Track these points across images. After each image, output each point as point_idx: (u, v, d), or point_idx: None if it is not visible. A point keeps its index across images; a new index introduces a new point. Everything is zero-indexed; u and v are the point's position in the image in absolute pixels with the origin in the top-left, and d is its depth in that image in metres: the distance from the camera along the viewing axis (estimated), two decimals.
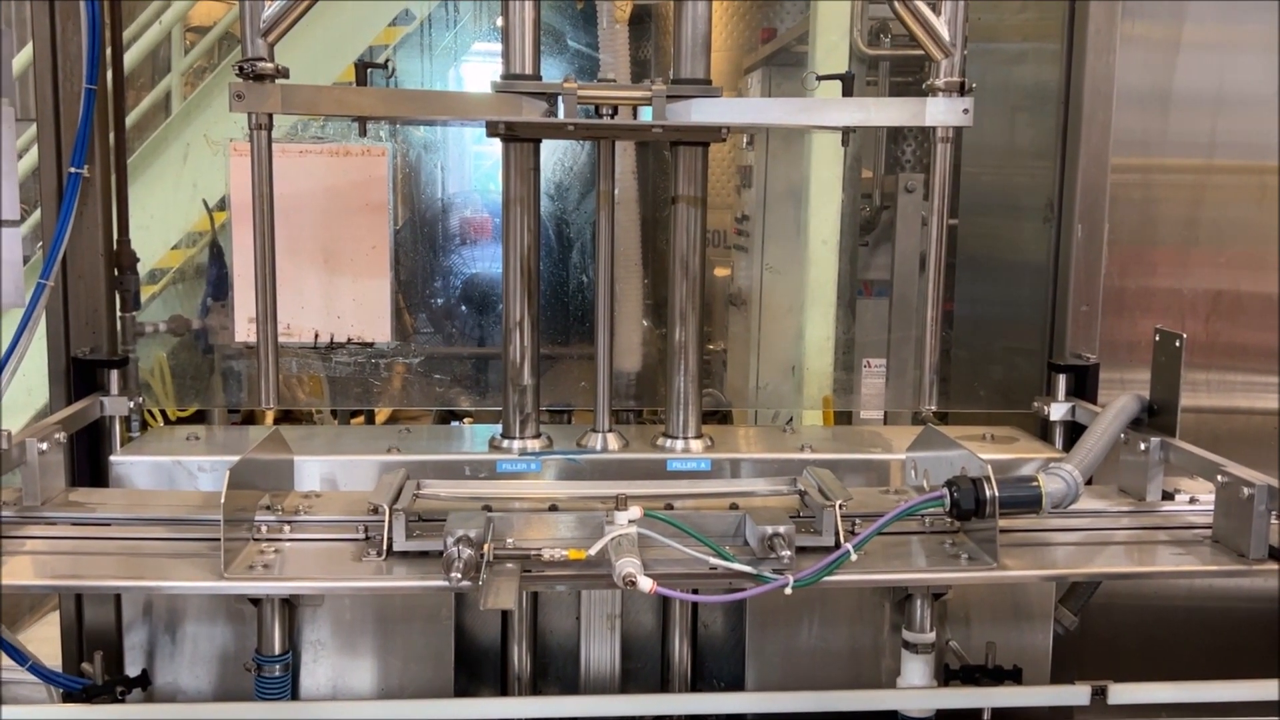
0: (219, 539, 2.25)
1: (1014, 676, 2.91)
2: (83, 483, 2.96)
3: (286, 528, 2.45)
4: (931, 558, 2.44)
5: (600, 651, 3.02)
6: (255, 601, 2.81)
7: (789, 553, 2.25)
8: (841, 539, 2.37)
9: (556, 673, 3.12)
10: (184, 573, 2.27)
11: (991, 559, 2.37)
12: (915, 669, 2.88)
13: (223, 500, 2.20)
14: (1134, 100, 3.27)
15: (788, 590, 2.22)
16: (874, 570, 2.38)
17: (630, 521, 2.26)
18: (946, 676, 2.91)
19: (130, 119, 3.81)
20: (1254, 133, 3.33)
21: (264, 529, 2.44)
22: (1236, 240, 3.37)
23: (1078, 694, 2.83)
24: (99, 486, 2.95)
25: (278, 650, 2.81)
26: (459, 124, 3.25)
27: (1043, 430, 3.29)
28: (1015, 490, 2.38)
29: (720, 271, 3.86)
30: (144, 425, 3.16)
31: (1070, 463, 2.50)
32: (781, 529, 2.27)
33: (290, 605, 2.83)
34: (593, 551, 2.20)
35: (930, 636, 2.86)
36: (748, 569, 2.23)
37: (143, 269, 3.21)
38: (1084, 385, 3.24)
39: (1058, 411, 3.20)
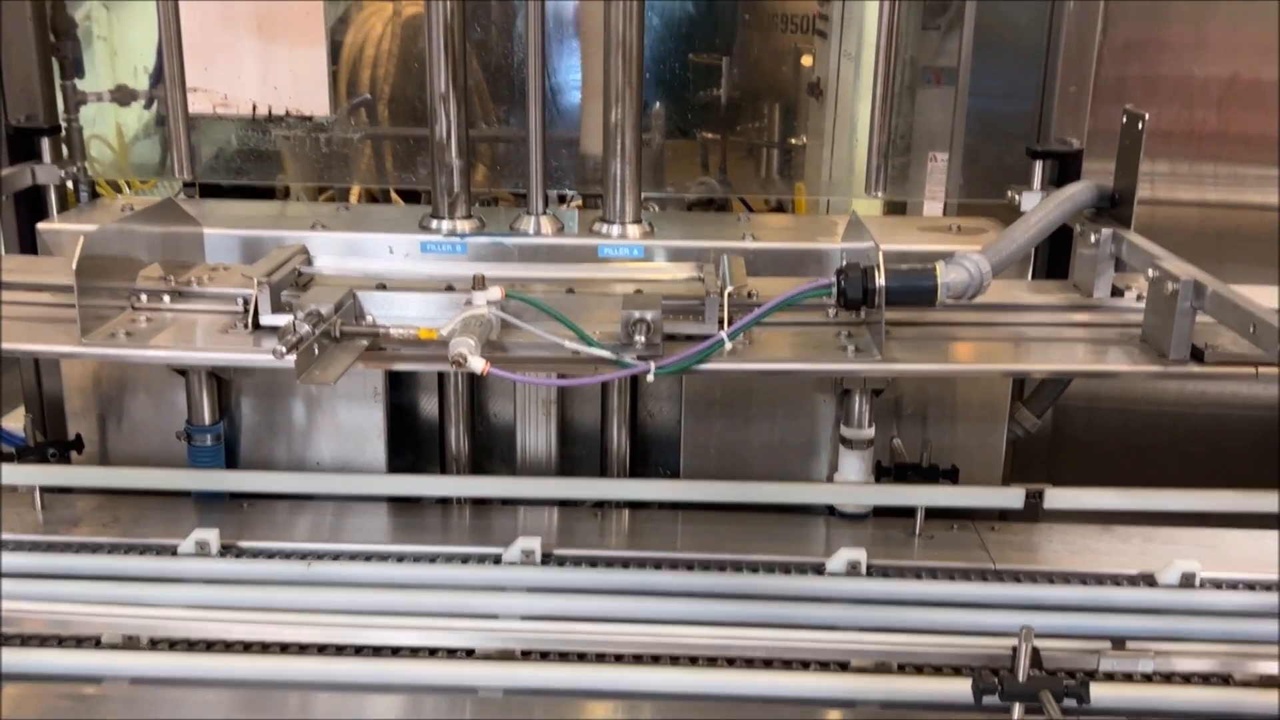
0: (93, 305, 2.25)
1: (950, 476, 2.78)
2: (22, 251, 2.98)
3: (167, 298, 2.41)
4: (821, 349, 2.30)
5: (536, 438, 2.99)
6: (182, 372, 2.84)
7: (642, 338, 2.13)
8: (725, 327, 2.24)
9: (501, 456, 3.11)
10: (47, 337, 2.26)
11: (877, 350, 2.22)
12: (852, 465, 2.80)
13: (74, 265, 2.16)
14: None
15: (650, 377, 2.13)
16: (752, 360, 2.25)
17: (489, 302, 2.17)
18: (879, 474, 2.80)
19: None
20: None
21: (144, 298, 2.40)
22: (1254, 20, 3.01)
23: (1012, 496, 2.70)
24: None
25: (207, 420, 2.85)
26: None
27: None
28: (908, 280, 2.20)
29: (805, 61, 3.60)
30: (94, 195, 3.15)
31: (983, 252, 2.30)
32: (648, 315, 2.16)
33: (218, 378, 2.84)
34: (444, 331, 2.12)
35: (868, 433, 2.77)
36: (606, 354, 2.14)
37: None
38: (1066, 175, 2.99)
39: (1029, 201, 2.95)
